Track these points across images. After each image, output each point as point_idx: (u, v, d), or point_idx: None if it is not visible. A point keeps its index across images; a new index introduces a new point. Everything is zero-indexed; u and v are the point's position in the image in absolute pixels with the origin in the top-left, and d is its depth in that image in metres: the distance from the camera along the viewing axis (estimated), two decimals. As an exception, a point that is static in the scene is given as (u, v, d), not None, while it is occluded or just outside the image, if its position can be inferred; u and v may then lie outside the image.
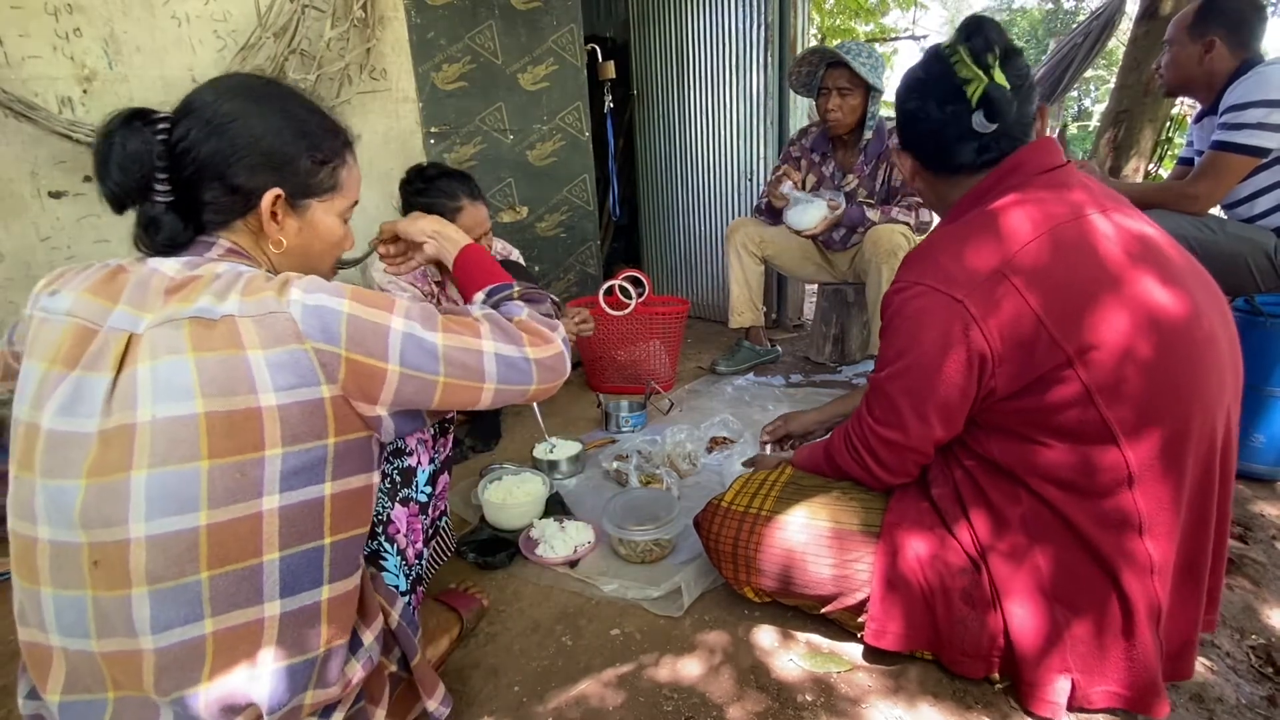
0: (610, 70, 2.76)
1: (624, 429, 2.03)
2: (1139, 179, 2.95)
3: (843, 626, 1.08)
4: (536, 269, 2.52)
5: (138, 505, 0.64)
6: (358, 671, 0.76)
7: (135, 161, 0.73)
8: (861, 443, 1.01)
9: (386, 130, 2.15)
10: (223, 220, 0.78)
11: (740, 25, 2.82)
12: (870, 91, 2.14)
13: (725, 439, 1.86)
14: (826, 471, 1.12)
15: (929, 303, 0.88)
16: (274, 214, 0.78)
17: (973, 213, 0.93)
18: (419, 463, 0.94)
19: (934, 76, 0.95)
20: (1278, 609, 1.10)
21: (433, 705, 0.88)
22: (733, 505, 1.15)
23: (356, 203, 0.89)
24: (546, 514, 1.49)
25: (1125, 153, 2.90)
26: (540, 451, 1.75)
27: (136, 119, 0.74)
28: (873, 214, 2.18)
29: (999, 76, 0.90)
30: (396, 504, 0.92)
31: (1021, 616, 0.89)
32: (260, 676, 0.68)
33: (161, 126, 0.74)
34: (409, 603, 0.93)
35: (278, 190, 0.77)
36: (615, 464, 1.72)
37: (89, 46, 1.78)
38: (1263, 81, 1.72)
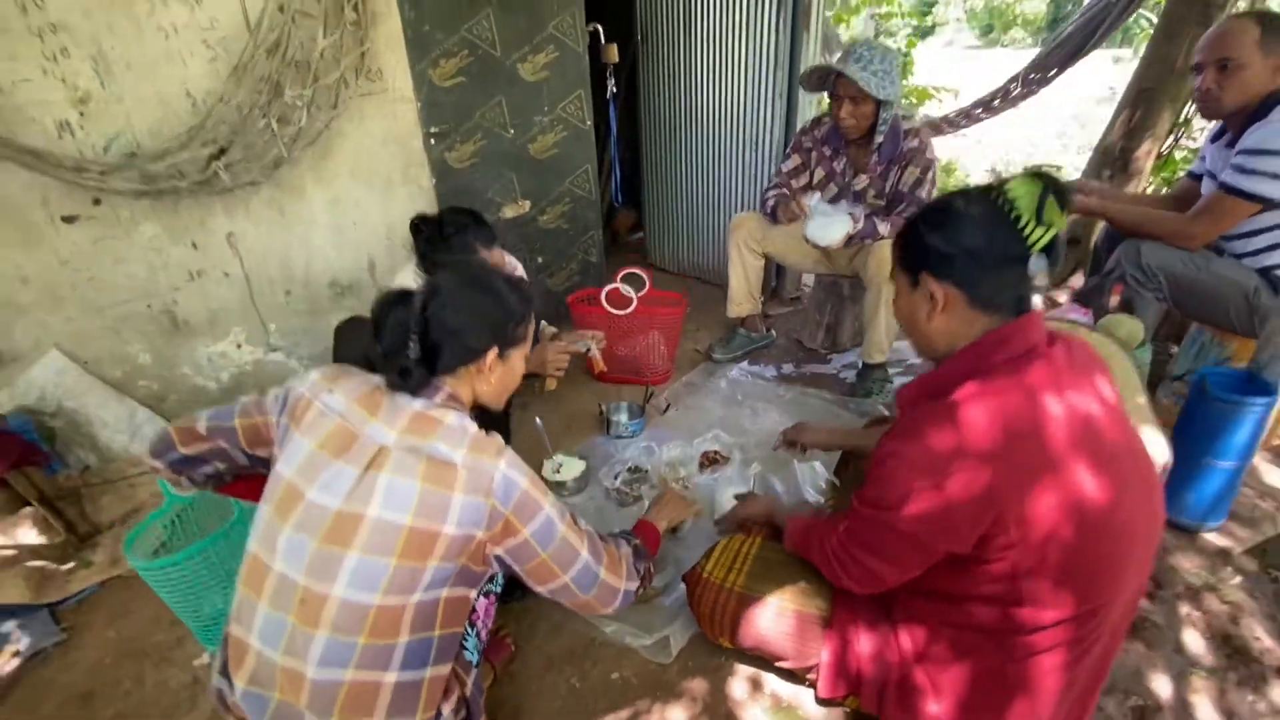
0: (614, 54, 2.61)
1: (623, 435, 2.20)
2: (1149, 163, 2.89)
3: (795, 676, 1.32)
4: (540, 260, 2.56)
5: (343, 575, 0.92)
6: None
7: (403, 323, 1.02)
8: (840, 559, 1.13)
9: (385, 133, 2.12)
10: (452, 367, 1.07)
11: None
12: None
13: (717, 454, 2.03)
14: (804, 555, 1.29)
15: (918, 483, 0.96)
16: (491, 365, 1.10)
17: (960, 396, 0.97)
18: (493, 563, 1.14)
19: (999, 219, 0.99)
20: (1161, 674, 1.33)
21: None
22: (710, 577, 1.34)
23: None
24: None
25: (1140, 135, 2.80)
26: (547, 471, 1.93)
27: (404, 298, 1.05)
28: (882, 227, 2.20)
29: (1060, 223, 0.97)
30: (481, 595, 1.13)
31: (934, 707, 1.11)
32: None
33: (418, 303, 1.03)
34: (478, 671, 1.15)
35: (495, 348, 1.09)
36: (617, 483, 1.91)
37: (79, 67, 1.73)
38: None
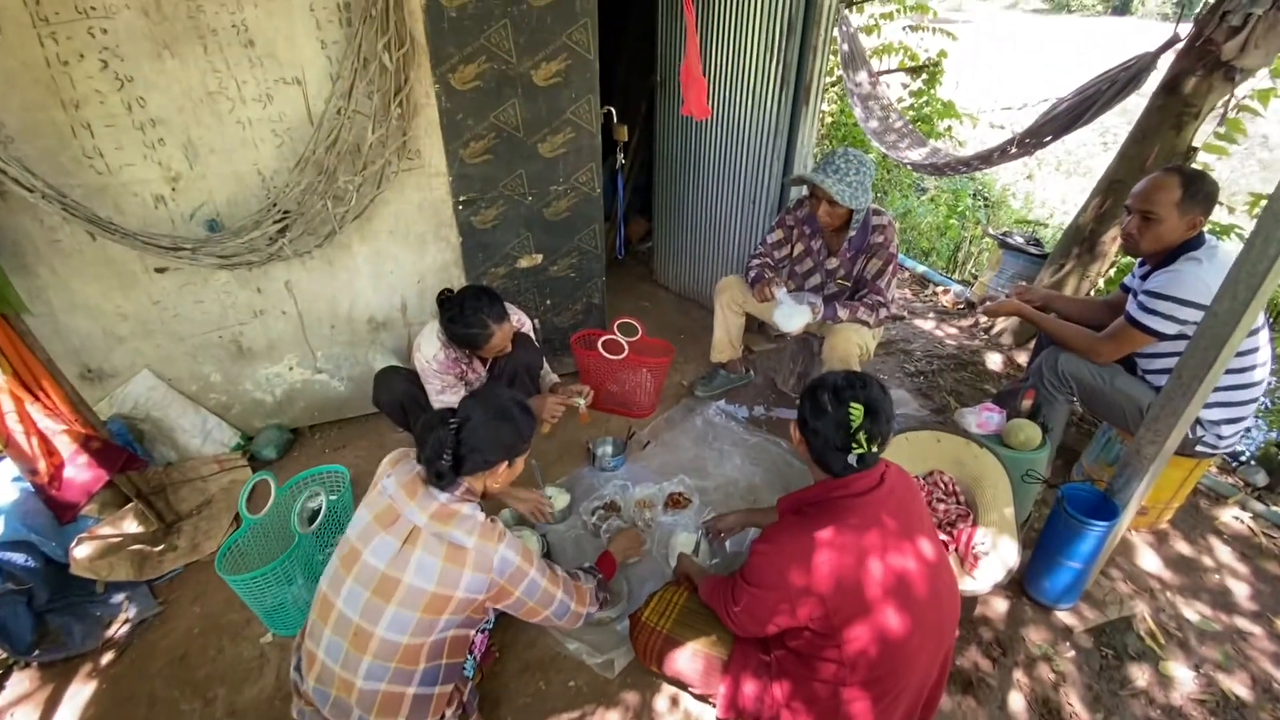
0: (623, 133, 2.88)
1: (606, 468, 2.61)
2: (1114, 247, 3.11)
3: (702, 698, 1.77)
4: (549, 302, 2.92)
5: (384, 620, 1.34)
6: None
7: (441, 441, 1.40)
8: (729, 614, 1.56)
9: (421, 201, 2.46)
10: (473, 470, 1.45)
11: (760, 61, 2.87)
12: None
13: (681, 496, 2.44)
14: (710, 605, 1.69)
15: (773, 593, 1.40)
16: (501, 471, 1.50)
17: (813, 529, 1.38)
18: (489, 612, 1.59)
19: (841, 422, 1.39)
20: (980, 725, 1.75)
21: None
22: (646, 620, 1.77)
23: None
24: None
25: (1107, 221, 3.02)
26: (539, 502, 2.36)
27: (444, 421, 1.42)
28: (843, 312, 2.52)
29: (873, 449, 1.39)
30: (478, 633, 1.59)
31: None
32: None
33: (453, 425, 1.42)
34: (472, 681, 1.61)
35: (506, 461, 1.49)
36: (593, 519, 2.33)
37: (172, 153, 2.09)
38: (1179, 280, 1.97)
